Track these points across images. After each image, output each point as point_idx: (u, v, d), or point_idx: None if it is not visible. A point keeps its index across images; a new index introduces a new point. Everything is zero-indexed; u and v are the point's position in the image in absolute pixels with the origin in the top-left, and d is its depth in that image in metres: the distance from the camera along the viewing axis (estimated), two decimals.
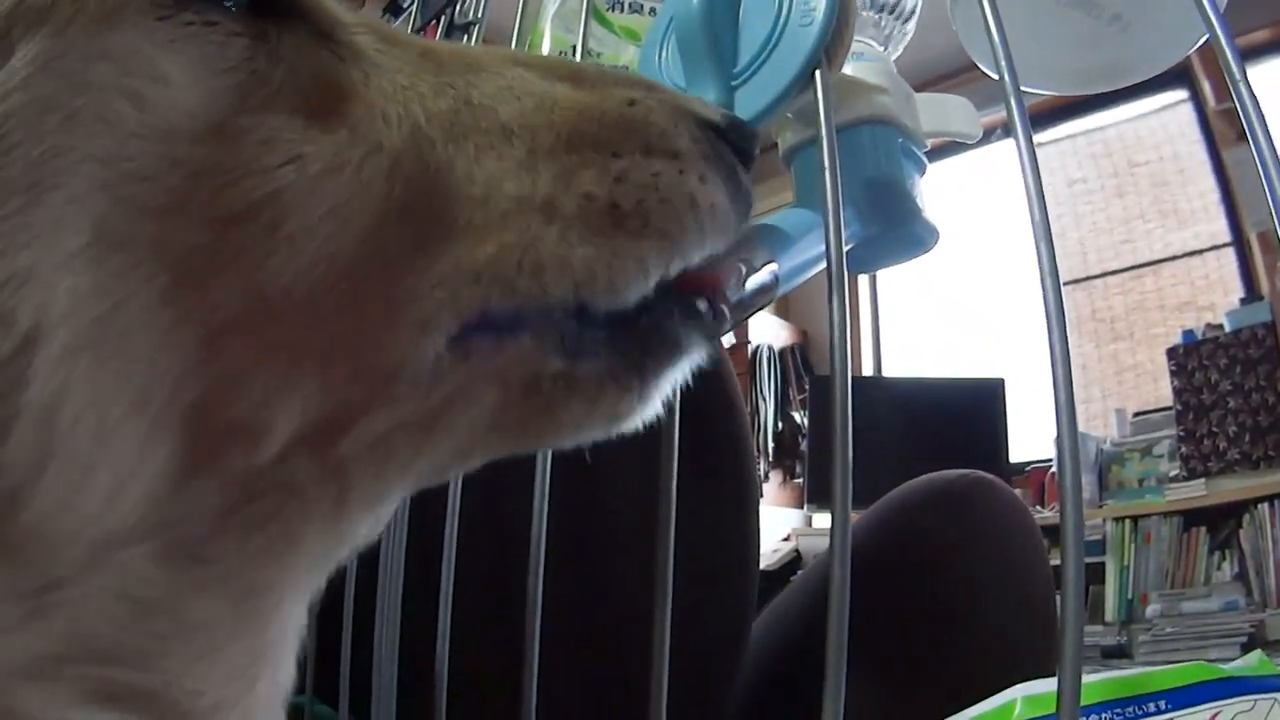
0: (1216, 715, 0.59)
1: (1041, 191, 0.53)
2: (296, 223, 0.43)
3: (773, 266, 0.63)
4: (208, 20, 0.45)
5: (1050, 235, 0.52)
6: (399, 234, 0.45)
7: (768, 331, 6.21)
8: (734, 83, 0.71)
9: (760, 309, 0.64)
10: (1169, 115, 5.50)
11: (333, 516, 0.48)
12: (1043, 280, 0.52)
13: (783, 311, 6.30)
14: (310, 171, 0.43)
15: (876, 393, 4.88)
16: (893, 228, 0.77)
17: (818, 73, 0.67)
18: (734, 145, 0.55)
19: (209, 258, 0.41)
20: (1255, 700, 0.59)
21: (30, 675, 0.39)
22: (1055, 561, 1.12)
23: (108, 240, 0.39)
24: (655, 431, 0.67)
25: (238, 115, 0.44)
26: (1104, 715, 0.60)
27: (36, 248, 0.38)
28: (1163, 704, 0.60)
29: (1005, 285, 5.64)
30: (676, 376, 0.55)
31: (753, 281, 0.61)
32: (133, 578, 0.41)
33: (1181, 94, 5.34)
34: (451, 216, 0.47)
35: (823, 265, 0.64)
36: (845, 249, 0.61)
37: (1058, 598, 1.24)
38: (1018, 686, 0.64)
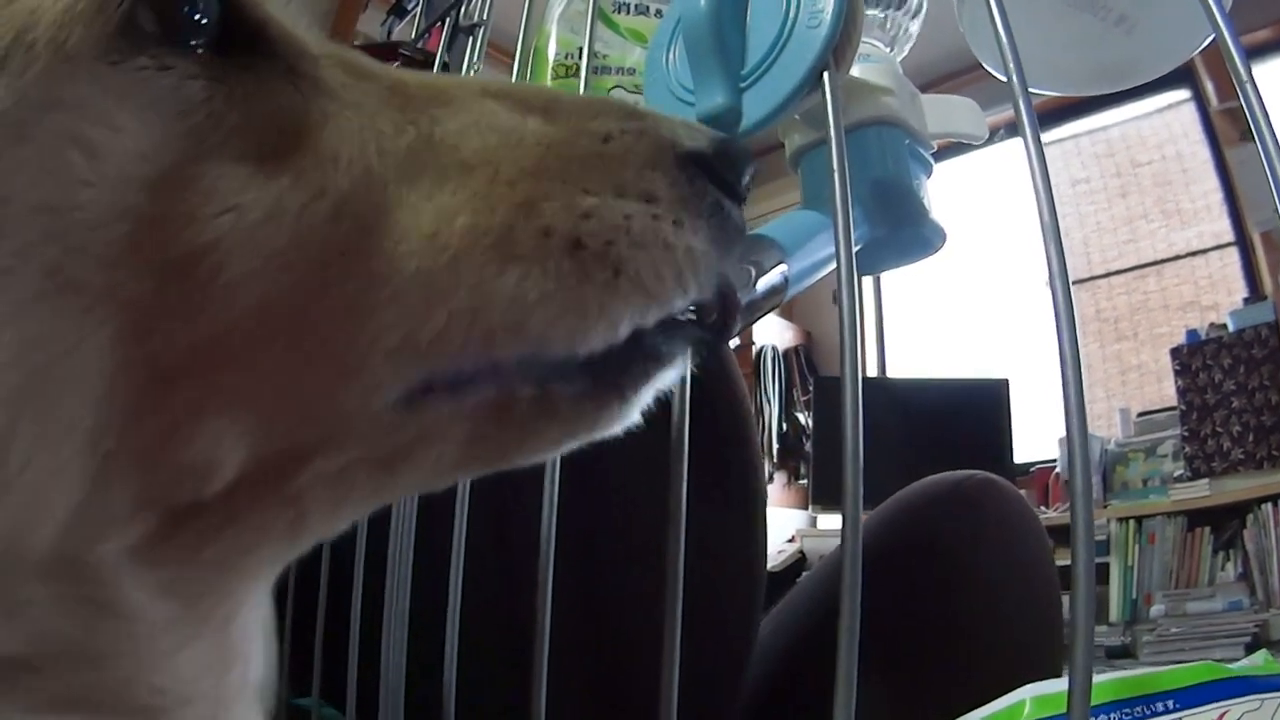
0: (1224, 715, 0.59)
1: (1050, 193, 0.53)
2: (234, 271, 0.42)
3: (783, 268, 0.63)
4: (163, 64, 0.44)
5: (1059, 236, 0.52)
6: (342, 285, 0.44)
7: (772, 332, 6.20)
8: (741, 84, 0.71)
9: (770, 310, 0.64)
10: (1172, 115, 5.49)
11: (289, 536, 0.48)
12: (1052, 281, 0.52)
13: (787, 312, 6.29)
14: (248, 220, 0.43)
15: (881, 394, 4.88)
16: (900, 229, 0.77)
17: (825, 75, 0.67)
18: (720, 177, 0.53)
19: (154, 304, 0.41)
20: (1262, 700, 0.59)
21: (3, 680, 0.40)
22: (1061, 562, 1.12)
23: (57, 288, 0.39)
24: (663, 436, 0.67)
25: (188, 162, 0.43)
26: (1112, 715, 0.60)
27: None
28: (1170, 704, 0.60)
29: (1009, 286, 5.64)
30: (660, 386, 0.54)
31: (763, 283, 0.61)
32: (86, 581, 0.41)
33: (1184, 93, 5.33)
34: (399, 262, 0.45)
35: (832, 267, 0.64)
36: (854, 250, 0.61)
37: (1064, 598, 1.24)
38: (1027, 687, 0.64)
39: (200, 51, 0.45)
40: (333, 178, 0.46)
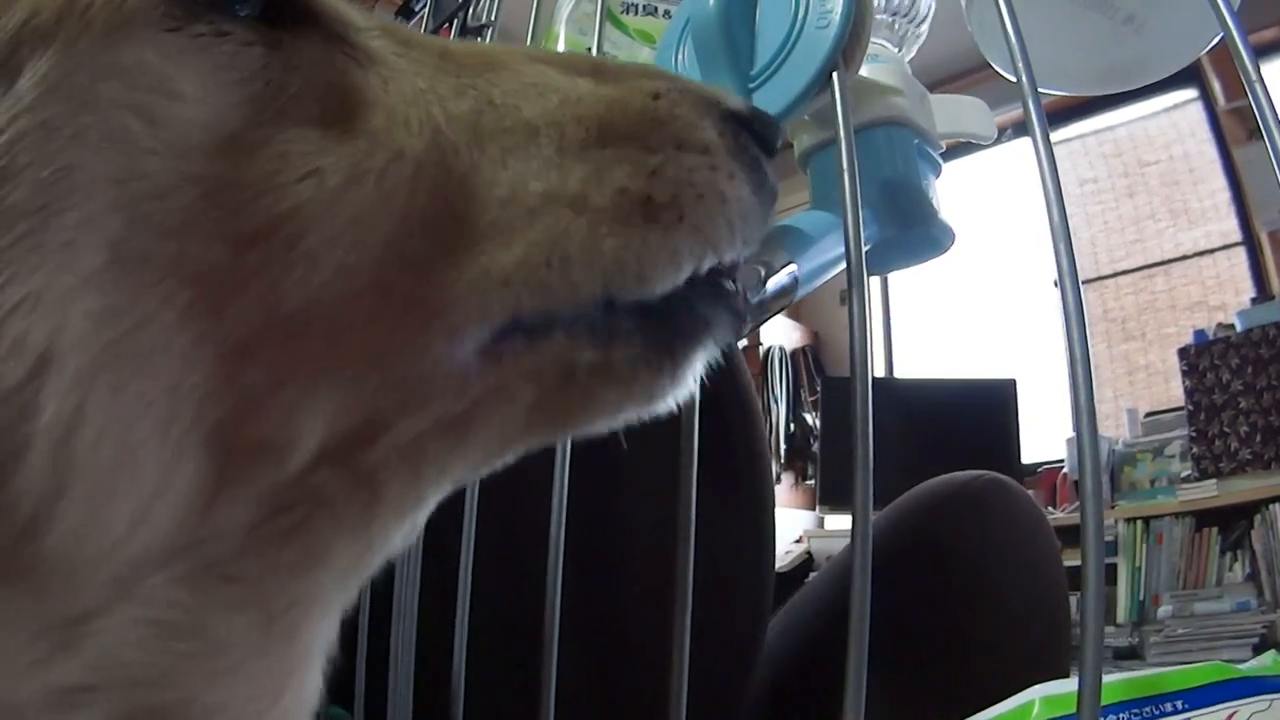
0: (1233, 715, 0.59)
1: (1059, 193, 0.53)
2: (317, 237, 0.42)
3: (792, 268, 0.63)
4: (220, 30, 0.43)
5: (1069, 236, 0.52)
6: (424, 242, 0.45)
7: (780, 333, 6.20)
8: (751, 85, 0.71)
9: (780, 310, 0.64)
10: (1179, 114, 5.48)
11: (363, 525, 0.47)
12: (1061, 281, 0.52)
13: (794, 313, 6.29)
14: (329, 185, 0.43)
15: (888, 394, 4.88)
16: (909, 229, 0.77)
17: (835, 75, 0.67)
18: (757, 136, 0.55)
19: (228, 275, 0.41)
20: (1271, 700, 0.59)
21: (58, 706, 0.38)
22: (1069, 563, 1.12)
23: (125, 260, 0.39)
24: (673, 433, 0.67)
25: (253, 128, 0.43)
26: (1121, 715, 0.60)
27: (47, 271, 0.37)
28: (1179, 704, 0.60)
29: (1017, 286, 5.63)
30: (706, 355, 0.55)
31: (773, 283, 0.61)
32: (161, 604, 0.40)
33: (1191, 93, 5.32)
34: (477, 221, 0.46)
35: (841, 267, 0.64)
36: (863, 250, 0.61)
37: (1072, 599, 1.24)
38: (1036, 687, 0.64)
39: (251, 21, 0.45)
40: (406, 140, 0.46)
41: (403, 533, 0.51)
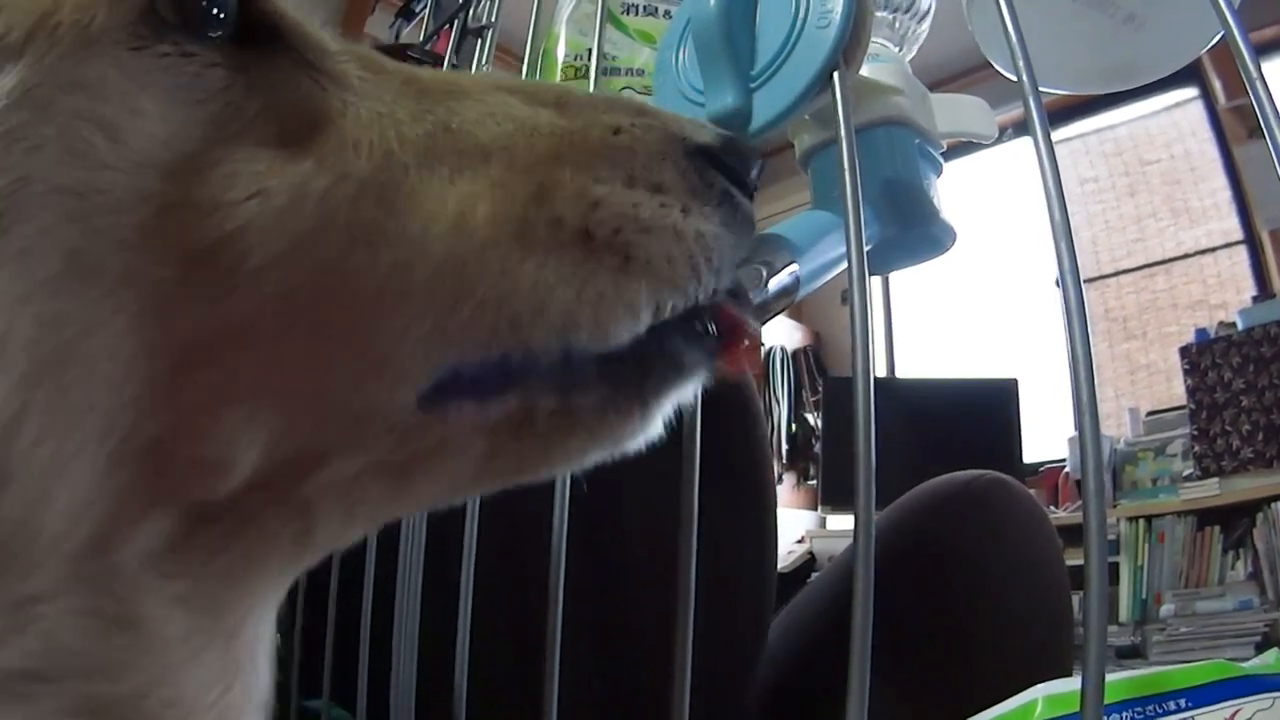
0: (1236, 713, 0.59)
1: (1061, 191, 0.53)
2: (260, 256, 0.42)
3: (794, 268, 0.63)
4: (185, 51, 0.44)
5: (1070, 235, 0.52)
6: (370, 268, 0.45)
7: (781, 333, 6.20)
8: (751, 85, 0.71)
9: (782, 311, 0.64)
10: (1180, 113, 5.48)
11: (294, 548, 0.48)
12: (1063, 280, 0.52)
13: (796, 313, 6.29)
14: (273, 204, 0.43)
15: (890, 394, 4.87)
16: (910, 229, 0.77)
17: (835, 74, 0.67)
18: (728, 170, 0.54)
19: (176, 291, 0.41)
20: (1274, 699, 0.59)
21: (10, 695, 0.39)
22: (1072, 562, 1.12)
23: (78, 271, 0.39)
24: (675, 434, 0.67)
25: (209, 147, 0.43)
26: (1124, 714, 0.60)
27: (2, 276, 0.38)
28: (1182, 702, 0.60)
29: (1019, 286, 5.63)
30: (680, 397, 0.54)
31: (774, 283, 0.61)
32: (102, 594, 0.41)
33: (1192, 91, 5.32)
34: (426, 246, 0.46)
35: (843, 266, 0.64)
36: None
37: (1074, 598, 1.24)
38: (1038, 686, 0.64)
39: (220, 42, 0.45)
40: (355, 162, 0.46)
41: (339, 547, 0.51)
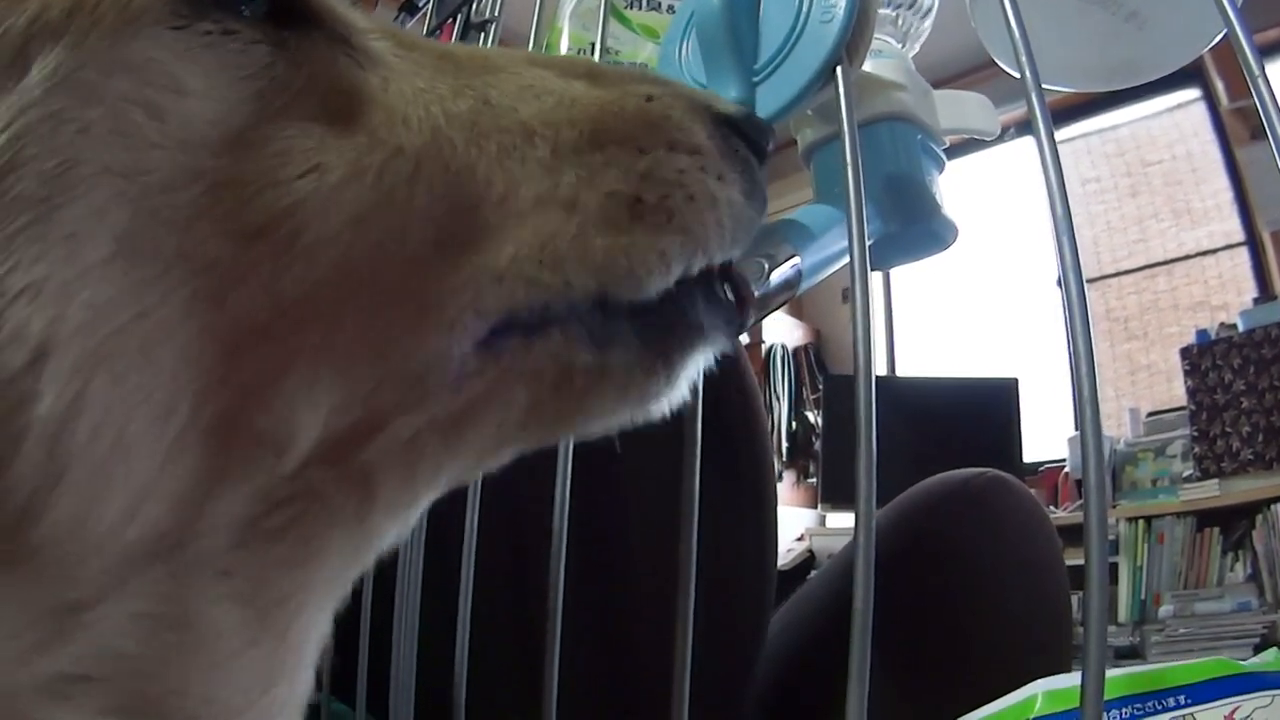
0: (1235, 710, 0.59)
1: (1063, 186, 0.53)
2: (316, 233, 0.42)
3: (795, 261, 0.63)
4: (226, 29, 0.44)
5: (1072, 230, 0.52)
6: (421, 239, 0.45)
7: (782, 331, 6.20)
8: (755, 79, 0.71)
9: (784, 304, 0.64)
10: (1182, 114, 5.48)
11: (357, 522, 0.47)
12: (1064, 274, 0.52)
13: (796, 311, 6.29)
14: (330, 181, 0.43)
15: (890, 393, 4.86)
16: (912, 225, 0.77)
17: (839, 69, 0.67)
18: (749, 140, 0.56)
19: (231, 269, 0.41)
20: (1273, 696, 0.59)
21: (53, 694, 0.39)
22: (1071, 561, 1.12)
23: (129, 252, 0.39)
24: (676, 431, 0.67)
25: (257, 124, 0.43)
26: (1124, 710, 0.60)
27: (49, 261, 0.38)
28: (1182, 699, 0.60)
29: (1019, 285, 5.63)
30: (701, 361, 0.55)
31: (776, 276, 0.61)
32: (154, 597, 0.41)
33: (1194, 93, 5.32)
34: (474, 219, 0.47)
35: (844, 261, 0.64)
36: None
37: (1073, 598, 1.24)
38: (1038, 682, 0.64)
39: (255, 20, 0.45)
40: (406, 137, 0.47)
41: (397, 529, 0.51)
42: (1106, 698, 0.49)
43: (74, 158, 0.39)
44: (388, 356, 0.45)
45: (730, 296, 0.56)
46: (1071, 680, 0.63)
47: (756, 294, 0.58)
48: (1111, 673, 0.58)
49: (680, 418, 0.68)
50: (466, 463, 0.52)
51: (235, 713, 0.44)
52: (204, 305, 0.40)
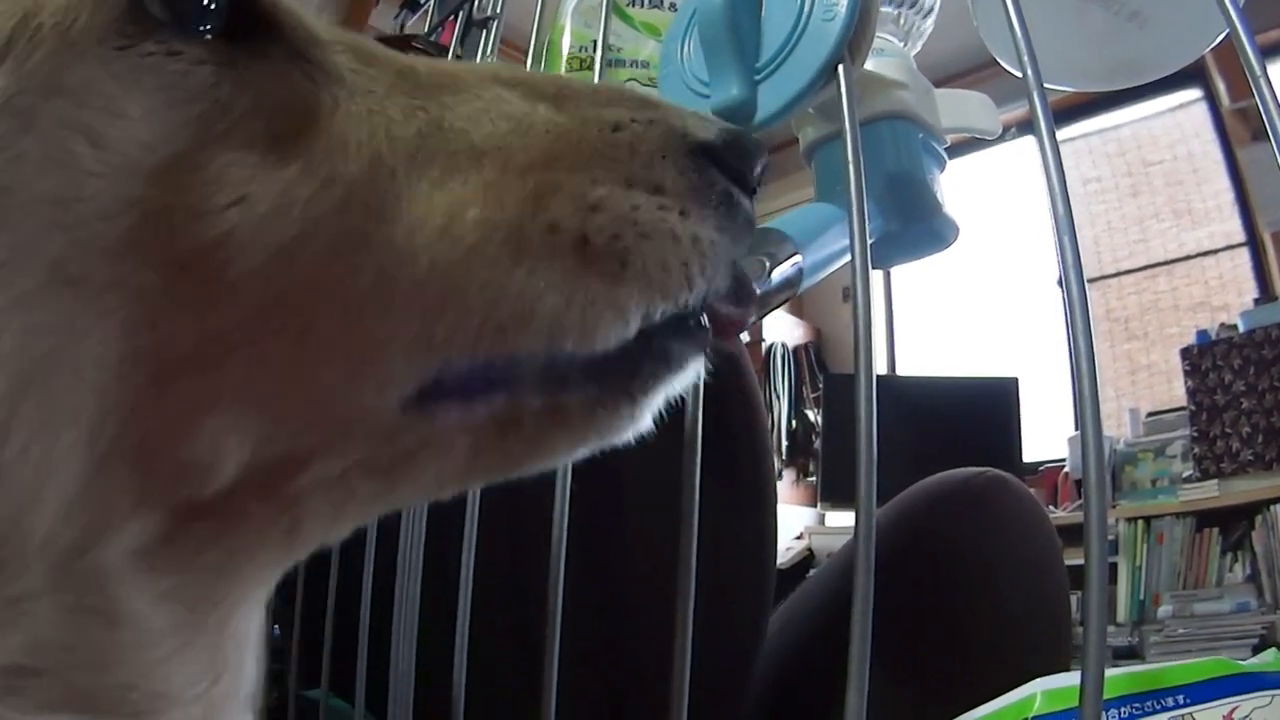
0: (1234, 710, 0.59)
1: (1064, 184, 0.53)
2: (243, 265, 0.42)
3: (797, 259, 0.63)
4: (171, 49, 0.43)
5: (1073, 228, 0.52)
6: (354, 275, 0.44)
7: (782, 329, 6.20)
8: (756, 77, 0.71)
9: (785, 302, 0.64)
10: (1183, 114, 5.48)
11: (284, 542, 0.48)
12: (1065, 271, 0.52)
13: (796, 310, 6.29)
14: (255, 213, 0.42)
15: (890, 392, 4.85)
16: (913, 223, 0.77)
17: (840, 68, 0.67)
18: (730, 167, 0.52)
19: (161, 297, 0.41)
20: (1272, 696, 0.59)
21: (3, 688, 0.39)
22: (1071, 561, 1.12)
23: (62, 280, 0.39)
24: (676, 430, 0.67)
25: (196, 149, 0.42)
26: (1123, 709, 0.60)
27: None
28: (1181, 699, 0.60)
29: (1020, 285, 5.64)
30: (670, 391, 0.53)
31: (777, 274, 0.61)
32: (90, 591, 0.41)
33: (1196, 93, 5.32)
34: (407, 258, 0.45)
35: (846, 259, 0.64)
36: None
37: (1073, 597, 1.24)
38: (1037, 681, 0.64)
39: (209, 37, 0.44)
40: (342, 165, 0.45)
41: (328, 541, 0.51)
42: (1105, 697, 0.49)
43: (8, 185, 0.39)
44: (313, 399, 0.44)
45: (704, 323, 0.53)
46: (1070, 679, 0.63)
47: (758, 292, 0.58)
48: (1111, 672, 0.58)
49: (681, 417, 0.68)
50: (405, 500, 0.51)
51: (182, 704, 0.45)
52: (133, 333, 0.40)
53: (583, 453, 0.53)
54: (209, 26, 0.45)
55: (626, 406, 0.51)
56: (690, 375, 0.53)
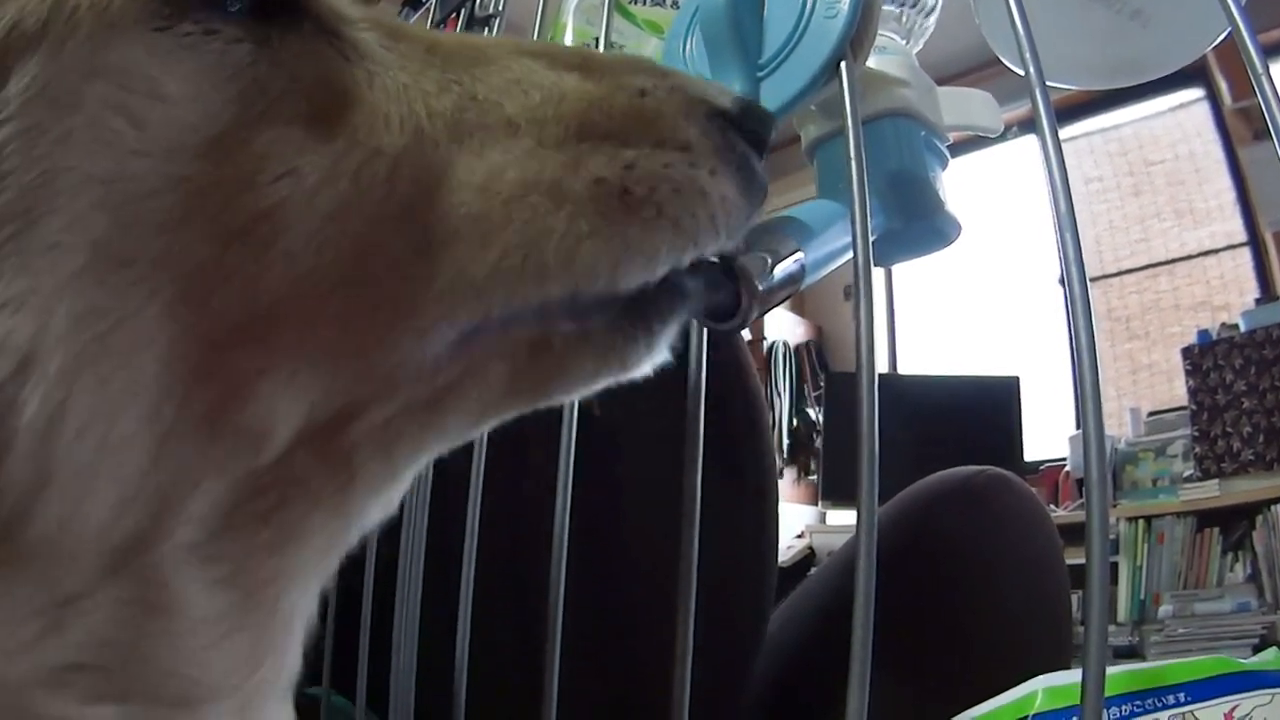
0: (1235, 708, 0.59)
1: (1066, 181, 0.54)
2: (293, 235, 0.42)
3: (799, 255, 0.63)
4: (208, 29, 0.44)
5: (1075, 224, 0.52)
6: (400, 239, 0.45)
7: (784, 328, 6.20)
8: (759, 74, 0.71)
9: (787, 299, 0.64)
10: (1185, 114, 5.48)
11: (340, 503, 0.48)
12: (1067, 266, 0.52)
13: (798, 308, 6.30)
14: (306, 185, 0.43)
15: (891, 390, 4.85)
16: (915, 221, 0.77)
17: (843, 65, 0.67)
18: (747, 132, 0.55)
19: (211, 272, 0.41)
20: (1273, 695, 0.59)
21: (49, 684, 0.40)
22: (1072, 561, 1.12)
23: (109, 259, 0.39)
24: (677, 426, 0.67)
25: (238, 126, 0.43)
26: (1124, 707, 0.60)
27: (32, 272, 0.38)
28: (1182, 696, 0.60)
29: (1021, 284, 5.64)
30: (680, 322, 0.55)
31: (779, 270, 0.61)
32: (144, 584, 0.41)
33: (1197, 92, 5.32)
34: (452, 214, 0.46)
35: (848, 256, 0.64)
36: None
37: (1073, 597, 1.24)
38: (1038, 678, 0.65)
39: (242, 16, 0.45)
40: (386, 137, 0.46)
41: (381, 508, 0.52)
42: (1106, 694, 0.49)
43: (53, 168, 0.39)
44: (363, 355, 0.45)
45: (715, 259, 0.56)
46: (1071, 677, 0.63)
47: (761, 288, 0.58)
48: (1111, 670, 0.59)
49: (683, 411, 0.68)
50: (449, 435, 0.52)
51: (225, 692, 0.45)
52: (185, 308, 0.41)
53: (605, 379, 0.54)
54: (241, 5, 0.45)
55: (644, 336, 0.53)
56: (699, 303, 0.56)
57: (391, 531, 0.94)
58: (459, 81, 0.50)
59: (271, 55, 0.45)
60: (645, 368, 0.55)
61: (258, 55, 0.45)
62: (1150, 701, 0.60)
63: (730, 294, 0.57)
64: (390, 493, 0.52)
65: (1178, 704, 0.60)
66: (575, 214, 0.47)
